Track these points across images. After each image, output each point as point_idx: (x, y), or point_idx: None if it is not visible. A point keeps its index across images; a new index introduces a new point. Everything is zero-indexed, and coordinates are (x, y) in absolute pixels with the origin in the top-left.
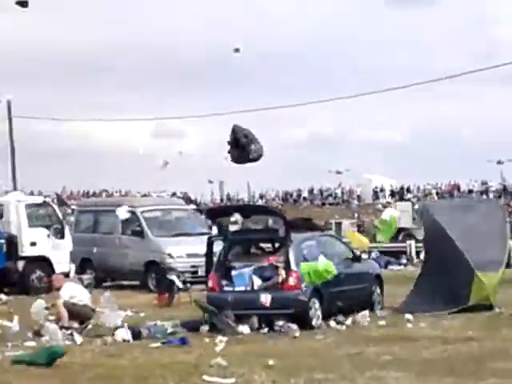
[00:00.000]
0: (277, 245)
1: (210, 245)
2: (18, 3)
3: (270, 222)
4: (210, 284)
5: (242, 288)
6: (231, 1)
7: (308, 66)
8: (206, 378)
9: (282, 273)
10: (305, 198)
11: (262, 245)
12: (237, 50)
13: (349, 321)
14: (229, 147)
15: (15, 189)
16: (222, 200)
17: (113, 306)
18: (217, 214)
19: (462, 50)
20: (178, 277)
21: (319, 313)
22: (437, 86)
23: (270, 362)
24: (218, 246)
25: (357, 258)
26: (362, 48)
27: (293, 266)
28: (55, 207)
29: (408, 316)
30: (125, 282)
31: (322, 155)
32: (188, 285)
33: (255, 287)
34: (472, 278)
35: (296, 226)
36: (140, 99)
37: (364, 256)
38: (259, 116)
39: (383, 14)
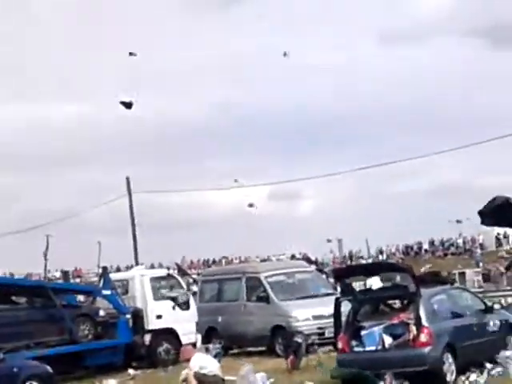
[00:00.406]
0: (406, 301)
1: (337, 305)
2: (122, 103)
3: (398, 278)
4: (340, 345)
5: (373, 347)
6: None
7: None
8: None
9: (413, 329)
10: (426, 250)
11: (391, 302)
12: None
13: (484, 374)
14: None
15: (137, 263)
16: (344, 258)
17: (254, 376)
18: (343, 273)
19: None
20: (306, 340)
21: (453, 368)
22: None
23: None
24: (345, 307)
25: (489, 309)
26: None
27: (424, 322)
28: (179, 279)
29: None
30: (251, 349)
31: (441, 205)
32: (316, 347)
33: (386, 346)
34: None
35: (424, 281)
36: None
37: (496, 306)
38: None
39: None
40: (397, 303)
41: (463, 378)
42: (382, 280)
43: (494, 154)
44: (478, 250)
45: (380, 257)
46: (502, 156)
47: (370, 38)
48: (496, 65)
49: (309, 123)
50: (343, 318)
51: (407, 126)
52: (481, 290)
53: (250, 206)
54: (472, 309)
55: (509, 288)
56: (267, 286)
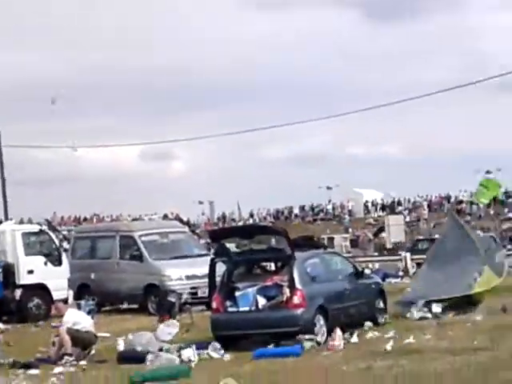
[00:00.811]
0: (280, 264)
1: (212, 266)
2: None
3: (273, 241)
4: (214, 305)
5: (247, 308)
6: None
7: (295, 83)
8: None
9: (287, 291)
10: (296, 215)
11: (266, 265)
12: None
13: (355, 336)
14: None
15: (7, 218)
16: (218, 220)
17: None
18: (219, 235)
19: (451, 62)
20: (179, 299)
21: (324, 329)
22: (426, 99)
23: (278, 380)
24: (219, 268)
25: (360, 274)
26: (349, 63)
27: (297, 285)
28: (52, 235)
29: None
30: (123, 306)
31: (312, 172)
32: (188, 306)
33: (260, 307)
34: (482, 269)
35: (299, 245)
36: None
37: (367, 271)
38: (247, 135)
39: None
40: (271, 266)
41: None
42: (258, 242)
43: (361, 124)
44: (347, 217)
45: (251, 220)
46: (369, 125)
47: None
48: (366, 39)
49: (183, 84)
50: (218, 279)
51: (275, 91)
52: (349, 255)
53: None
54: (344, 273)
55: (376, 254)
56: (141, 245)
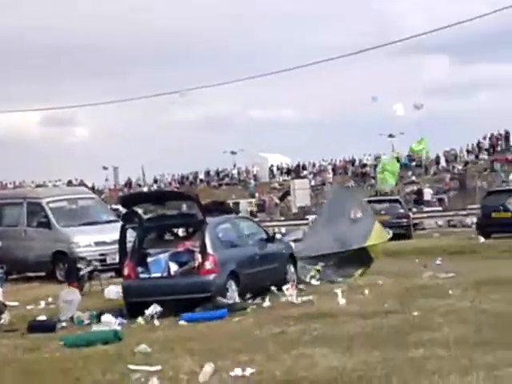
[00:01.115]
0: (192, 229)
1: (123, 232)
2: None
3: (184, 207)
4: (126, 271)
5: (159, 274)
6: None
7: (199, 45)
8: (131, 366)
9: (199, 257)
10: (201, 180)
11: (178, 230)
12: None
13: (267, 300)
14: None
15: None
16: (124, 186)
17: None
18: (130, 201)
19: (351, 26)
20: (88, 266)
21: (236, 295)
22: (330, 63)
23: (194, 347)
24: (130, 234)
25: (271, 239)
26: (252, 24)
27: (209, 250)
28: None
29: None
30: (31, 274)
31: (216, 136)
32: (98, 273)
33: (172, 273)
34: (373, 224)
35: (210, 210)
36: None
37: (278, 236)
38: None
39: None
40: (183, 231)
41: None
42: (169, 208)
43: (267, 88)
44: (252, 181)
45: (155, 185)
46: (273, 90)
47: None
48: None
49: (90, 48)
50: (129, 245)
51: (182, 56)
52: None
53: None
54: (255, 238)
55: (282, 218)
56: (49, 212)
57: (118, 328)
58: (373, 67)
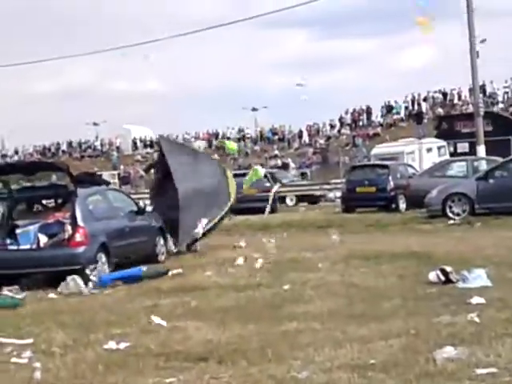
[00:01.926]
0: (62, 201)
1: None
2: None
3: (54, 178)
4: None
5: (28, 246)
6: None
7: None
8: (1, 339)
9: (69, 229)
10: (63, 152)
11: (48, 201)
12: None
13: None
14: None
15: None
16: None
17: None
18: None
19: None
20: None
21: (106, 267)
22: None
23: (65, 320)
24: None
25: (141, 211)
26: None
27: (79, 222)
28: None
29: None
30: None
31: (78, 108)
32: None
33: (41, 244)
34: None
35: (81, 181)
36: None
37: (149, 208)
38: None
39: None
40: (53, 202)
41: None
42: (38, 179)
43: (128, 60)
44: (115, 153)
45: (16, 157)
46: (134, 62)
47: None
48: None
49: None
50: None
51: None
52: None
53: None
54: (126, 210)
55: (147, 191)
56: None
57: None
58: (236, 41)
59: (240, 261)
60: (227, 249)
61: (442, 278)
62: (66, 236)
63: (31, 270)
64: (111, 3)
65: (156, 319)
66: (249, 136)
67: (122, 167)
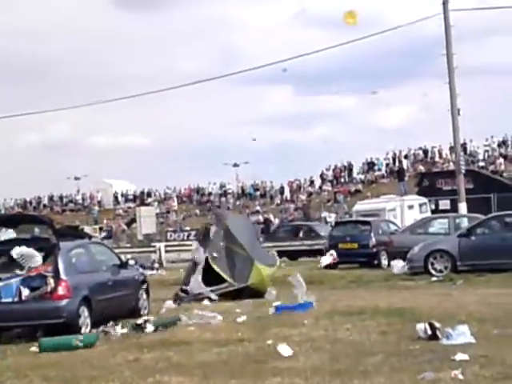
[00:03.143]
0: (44, 254)
1: None
2: None
3: (37, 230)
4: None
5: (10, 299)
6: None
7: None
8: None
9: (51, 282)
10: (45, 205)
11: None
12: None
13: (118, 328)
14: None
15: None
16: None
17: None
18: None
19: (199, 54)
20: None
21: (88, 321)
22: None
23: (48, 374)
24: None
25: (123, 265)
26: (99, 53)
27: (62, 275)
28: None
29: (182, 317)
30: None
31: (60, 162)
32: None
33: (23, 298)
34: (252, 266)
35: (64, 234)
36: None
37: (131, 262)
38: None
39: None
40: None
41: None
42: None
43: (111, 113)
44: (96, 207)
45: None
46: (117, 115)
47: None
48: (117, 24)
49: None
50: None
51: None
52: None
53: None
54: (108, 263)
55: (129, 245)
56: None
57: None
58: (220, 95)
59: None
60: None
61: (429, 331)
62: (49, 289)
63: (13, 323)
64: (95, 58)
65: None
66: (230, 191)
67: (105, 221)
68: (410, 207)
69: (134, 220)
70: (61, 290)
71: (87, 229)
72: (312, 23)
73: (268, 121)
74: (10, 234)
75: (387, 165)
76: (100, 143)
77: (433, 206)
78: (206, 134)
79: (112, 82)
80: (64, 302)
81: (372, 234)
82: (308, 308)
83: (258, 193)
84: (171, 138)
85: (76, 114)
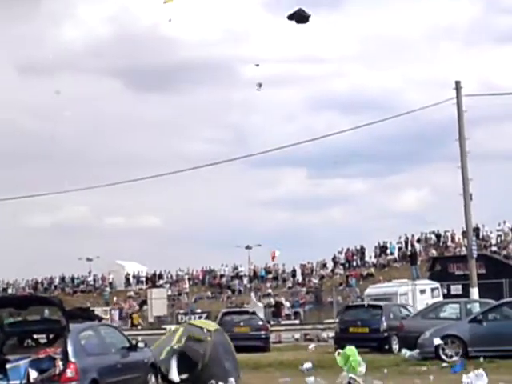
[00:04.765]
0: (53, 336)
1: None
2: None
3: (46, 312)
4: None
5: (18, 382)
6: None
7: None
8: None
9: (60, 364)
10: (56, 287)
11: (39, 336)
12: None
13: None
14: None
15: None
16: None
17: None
18: None
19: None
20: None
21: None
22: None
23: None
24: None
25: (133, 347)
26: (109, 132)
27: (71, 357)
28: None
29: None
30: None
31: (72, 242)
32: None
33: (31, 380)
34: None
35: (73, 316)
36: None
37: (141, 344)
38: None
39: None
40: (45, 337)
41: None
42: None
43: (122, 194)
44: (108, 289)
45: (9, 290)
46: (129, 196)
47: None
48: (130, 106)
49: None
50: None
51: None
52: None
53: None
54: (117, 346)
55: (139, 327)
56: None
57: None
58: (233, 178)
59: None
60: None
61: None
62: (57, 371)
63: None
64: (109, 140)
65: None
66: (242, 274)
67: (114, 300)
68: (422, 292)
69: (145, 302)
70: (69, 373)
71: (98, 310)
72: (325, 106)
73: (280, 203)
74: None
75: (400, 249)
76: (113, 224)
77: (445, 291)
78: (220, 215)
79: (128, 164)
80: None
81: (383, 319)
82: None
83: (269, 275)
84: (184, 220)
85: (90, 195)
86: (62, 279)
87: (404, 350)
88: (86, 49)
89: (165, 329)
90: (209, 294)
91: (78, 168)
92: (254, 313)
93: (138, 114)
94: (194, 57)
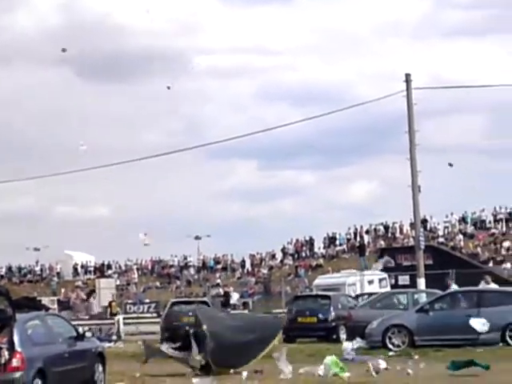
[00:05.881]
0: (0, 325)
1: None
2: None
3: None
4: None
5: None
6: None
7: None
8: None
9: (6, 354)
10: (2, 276)
11: None
12: None
13: None
14: None
15: None
16: None
17: None
18: None
19: (160, 126)
20: None
21: None
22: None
23: None
24: None
25: (80, 337)
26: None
27: (17, 347)
28: None
29: None
30: None
31: (19, 232)
32: None
33: None
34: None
35: (20, 306)
36: None
37: (88, 334)
38: None
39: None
40: None
41: None
42: None
43: (70, 184)
44: (55, 279)
45: None
46: (77, 186)
47: None
48: (83, 96)
49: None
50: None
51: None
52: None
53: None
54: (65, 335)
55: (87, 317)
56: None
57: None
58: (182, 169)
59: None
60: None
61: None
62: (3, 361)
63: None
64: (59, 128)
65: None
66: (191, 264)
67: (62, 291)
68: (370, 282)
69: (93, 292)
70: (15, 362)
71: (45, 300)
72: (276, 98)
73: (231, 194)
74: None
75: (348, 240)
76: (62, 214)
77: (392, 281)
78: (170, 206)
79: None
80: (18, 374)
81: (331, 309)
82: None
83: (218, 266)
84: (133, 210)
85: (37, 184)
86: (9, 269)
87: (358, 339)
88: (39, 37)
89: (112, 318)
90: (157, 284)
91: (28, 158)
92: (204, 302)
93: (90, 104)
94: (148, 46)
